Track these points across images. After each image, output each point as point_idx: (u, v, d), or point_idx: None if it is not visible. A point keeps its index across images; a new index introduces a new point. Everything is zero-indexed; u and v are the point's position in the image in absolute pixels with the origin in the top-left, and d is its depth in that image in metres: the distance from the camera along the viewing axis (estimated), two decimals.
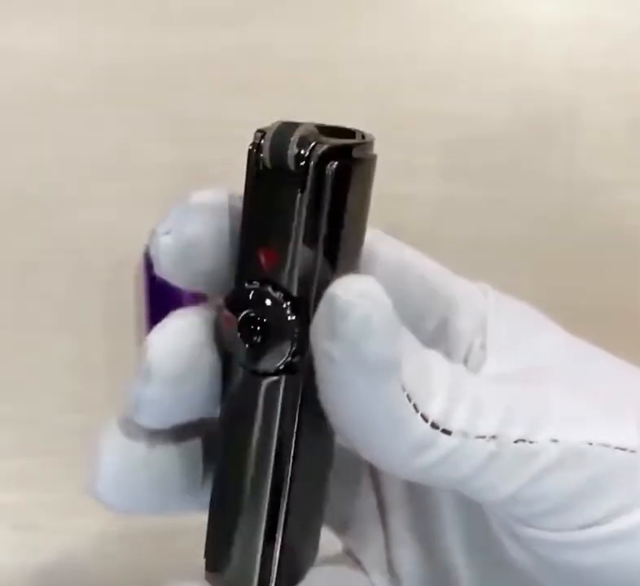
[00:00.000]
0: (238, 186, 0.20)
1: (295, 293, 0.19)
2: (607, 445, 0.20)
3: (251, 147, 0.19)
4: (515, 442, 0.20)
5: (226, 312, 0.20)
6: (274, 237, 0.19)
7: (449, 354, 0.23)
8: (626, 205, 0.44)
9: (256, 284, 0.19)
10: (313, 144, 0.18)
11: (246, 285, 0.20)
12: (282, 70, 0.45)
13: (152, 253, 0.21)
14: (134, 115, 0.44)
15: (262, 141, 0.19)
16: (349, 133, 0.20)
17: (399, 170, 0.44)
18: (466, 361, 0.23)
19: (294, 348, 0.19)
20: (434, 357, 0.20)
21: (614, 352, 0.24)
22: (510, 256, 0.44)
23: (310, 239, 0.19)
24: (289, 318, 0.19)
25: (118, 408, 0.42)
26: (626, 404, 0.22)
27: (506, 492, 0.20)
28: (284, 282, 0.19)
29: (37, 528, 0.41)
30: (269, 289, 0.19)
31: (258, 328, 0.19)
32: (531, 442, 0.20)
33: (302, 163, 0.18)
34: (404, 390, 0.19)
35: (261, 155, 0.19)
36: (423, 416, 0.19)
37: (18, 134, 0.44)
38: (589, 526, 0.21)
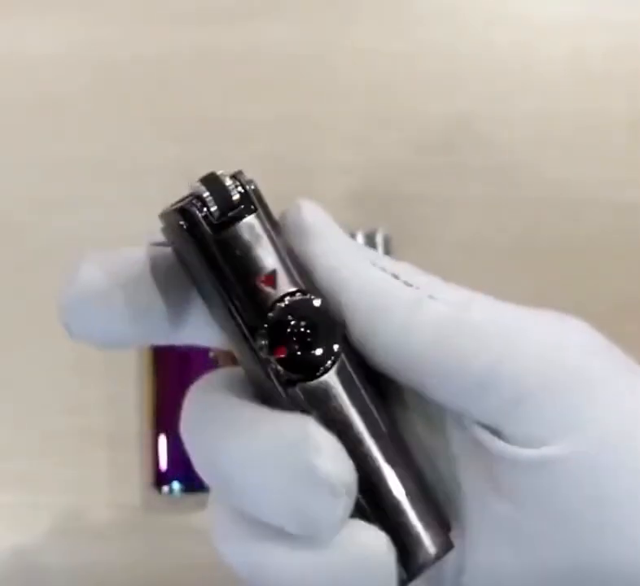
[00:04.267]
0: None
1: (304, 286, 0.20)
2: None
3: (186, 219, 0.20)
4: None
5: (269, 350, 0.20)
6: (257, 263, 0.20)
7: None
8: (626, 205, 0.44)
9: (282, 302, 0.20)
10: (243, 180, 0.21)
11: (270, 314, 0.20)
12: (283, 69, 0.45)
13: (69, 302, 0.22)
14: (135, 115, 0.44)
15: (199, 201, 0.21)
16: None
17: (399, 170, 0.44)
18: None
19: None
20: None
21: None
22: (510, 256, 0.44)
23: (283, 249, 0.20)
24: (317, 302, 0.20)
25: (118, 408, 0.42)
26: None
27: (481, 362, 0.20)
28: (296, 286, 0.20)
29: (35, 528, 0.41)
30: (298, 295, 0.20)
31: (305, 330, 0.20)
32: None
33: (242, 194, 0.20)
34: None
35: (208, 210, 0.20)
36: (405, 283, 0.21)
37: (18, 134, 0.44)
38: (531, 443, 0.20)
